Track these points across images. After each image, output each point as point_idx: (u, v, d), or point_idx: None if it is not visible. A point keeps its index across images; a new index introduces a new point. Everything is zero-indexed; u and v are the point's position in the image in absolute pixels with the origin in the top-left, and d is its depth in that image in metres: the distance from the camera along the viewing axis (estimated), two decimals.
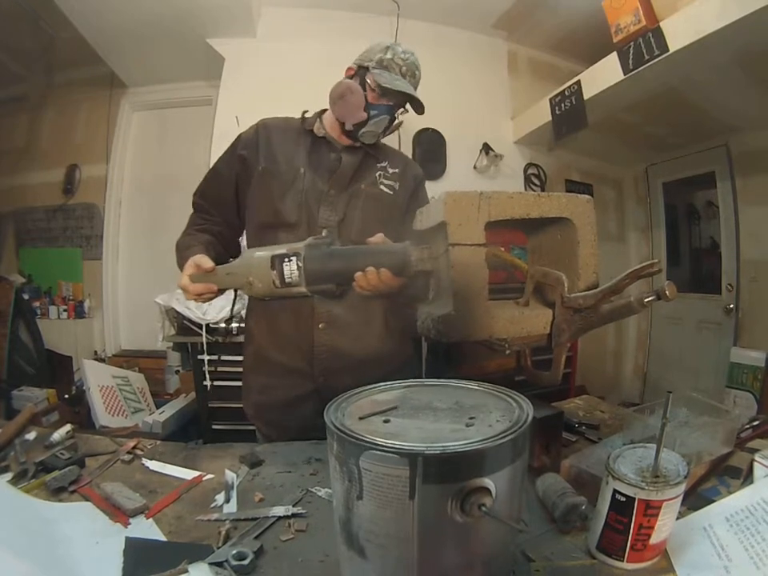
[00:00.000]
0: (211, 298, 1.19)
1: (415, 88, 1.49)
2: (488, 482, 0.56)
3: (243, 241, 1.60)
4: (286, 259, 1.02)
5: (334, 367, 1.42)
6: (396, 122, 1.51)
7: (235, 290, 1.21)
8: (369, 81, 1.44)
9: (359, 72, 1.48)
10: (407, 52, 1.48)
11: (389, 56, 1.46)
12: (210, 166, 1.57)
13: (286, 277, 1.02)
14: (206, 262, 1.16)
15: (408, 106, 1.49)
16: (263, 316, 1.50)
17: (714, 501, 0.88)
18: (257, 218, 1.46)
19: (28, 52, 4.04)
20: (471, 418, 0.64)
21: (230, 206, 1.51)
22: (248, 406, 1.57)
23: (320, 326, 1.41)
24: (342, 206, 1.44)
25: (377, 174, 1.51)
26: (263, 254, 1.06)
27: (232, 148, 1.52)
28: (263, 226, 1.43)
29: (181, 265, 1.25)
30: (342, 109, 1.44)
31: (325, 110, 1.55)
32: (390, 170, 1.53)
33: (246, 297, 1.53)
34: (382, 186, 1.50)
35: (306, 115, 1.55)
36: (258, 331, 1.52)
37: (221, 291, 1.17)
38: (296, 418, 1.46)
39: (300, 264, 1.02)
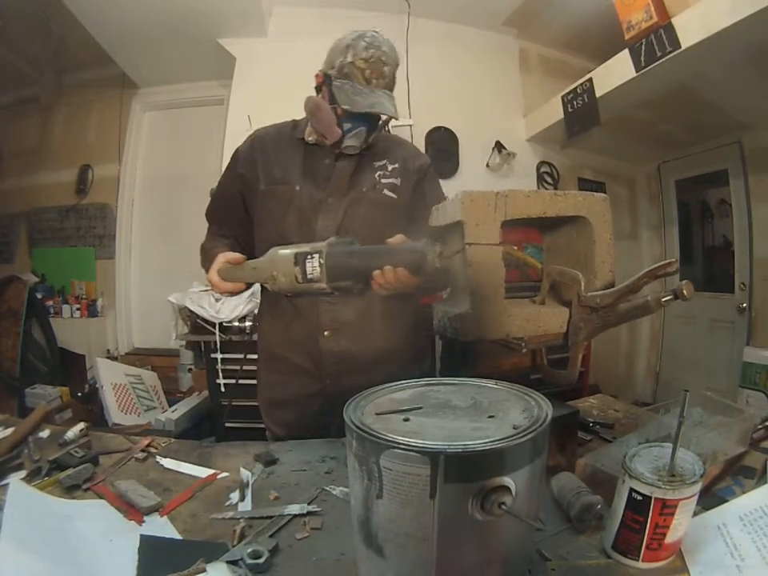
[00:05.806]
0: (239, 292, 1.29)
1: (389, 87, 1.31)
2: (508, 480, 0.56)
3: None
4: (309, 257, 1.10)
5: (341, 370, 1.42)
6: (380, 122, 1.38)
7: (262, 286, 1.35)
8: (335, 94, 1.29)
9: (325, 81, 1.32)
10: (372, 45, 1.26)
11: (349, 59, 1.26)
12: (221, 170, 1.59)
13: (308, 273, 1.09)
14: (235, 255, 1.25)
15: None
16: (274, 317, 1.50)
17: (728, 501, 0.87)
18: (261, 236, 1.45)
19: (38, 54, 4.09)
20: (490, 417, 0.64)
21: (241, 219, 1.50)
22: (262, 402, 1.58)
23: (325, 333, 1.40)
24: (341, 212, 1.37)
25: (376, 175, 1.42)
26: (287, 251, 1.14)
27: (232, 165, 1.50)
28: (270, 244, 1.23)
29: (206, 265, 1.34)
30: (317, 125, 1.36)
31: None
32: (390, 167, 1.43)
33: (258, 297, 1.60)
34: (385, 190, 1.41)
35: (297, 121, 1.48)
36: (269, 330, 1.53)
37: (248, 286, 1.27)
38: (303, 416, 1.46)
39: (321, 261, 1.09)
